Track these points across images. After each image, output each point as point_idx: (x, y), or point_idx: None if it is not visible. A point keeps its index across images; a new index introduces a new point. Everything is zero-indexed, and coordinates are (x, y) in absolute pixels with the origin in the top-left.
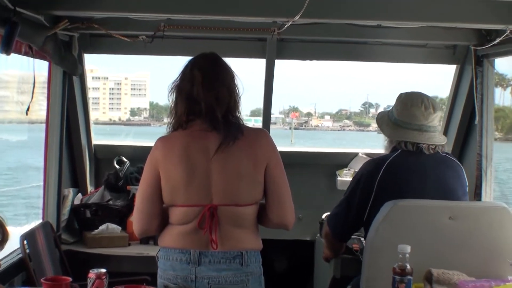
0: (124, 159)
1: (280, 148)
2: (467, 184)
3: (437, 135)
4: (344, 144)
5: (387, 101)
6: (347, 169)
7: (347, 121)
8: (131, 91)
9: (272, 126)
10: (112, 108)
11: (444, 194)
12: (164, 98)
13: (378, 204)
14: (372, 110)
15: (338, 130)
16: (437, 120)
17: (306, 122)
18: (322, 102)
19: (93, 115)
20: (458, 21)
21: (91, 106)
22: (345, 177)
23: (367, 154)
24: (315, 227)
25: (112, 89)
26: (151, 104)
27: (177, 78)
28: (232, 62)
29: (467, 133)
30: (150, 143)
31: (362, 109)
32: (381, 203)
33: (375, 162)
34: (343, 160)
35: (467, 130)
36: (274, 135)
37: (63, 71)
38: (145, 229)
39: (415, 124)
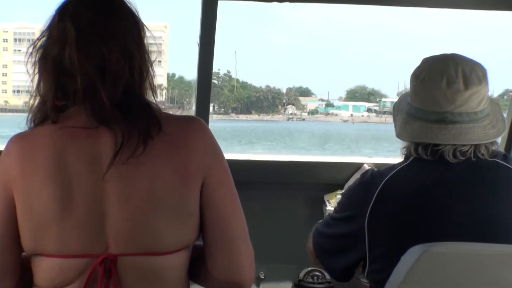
0: None
1: (226, 154)
2: None
3: (477, 127)
4: None
5: None
6: (342, 191)
7: None
8: None
9: (389, 119)
10: None
11: (488, 234)
12: (193, 68)
13: (380, 253)
14: None
15: None
16: (475, 100)
17: None
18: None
19: None
20: None
21: None
22: None
23: (378, 166)
24: None
25: None
26: (170, 78)
27: (40, 35)
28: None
29: None
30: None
31: None
32: (383, 251)
33: (366, 181)
34: (336, 175)
35: None
36: (388, 137)
37: None
38: None
39: (433, 112)
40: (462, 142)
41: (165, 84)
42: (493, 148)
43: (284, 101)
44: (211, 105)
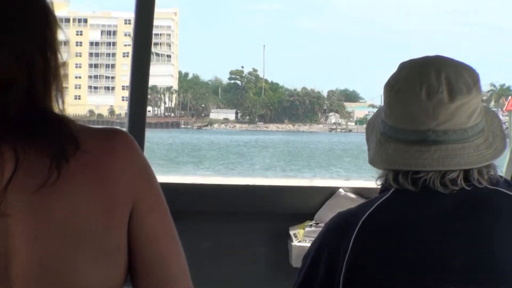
0: None
1: (161, 176)
2: None
3: (467, 147)
4: None
5: None
6: (312, 223)
7: None
8: None
9: None
10: (96, 89)
11: (490, 279)
12: (213, 66)
13: None
14: None
15: None
16: (464, 114)
17: None
18: None
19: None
20: None
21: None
22: (308, 240)
23: (357, 192)
24: None
25: (96, 44)
26: (182, 78)
27: None
28: None
29: None
30: None
31: None
32: None
33: (341, 222)
34: (305, 203)
35: None
36: None
37: None
38: None
39: (411, 131)
40: (448, 168)
41: (175, 86)
42: (491, 173)
43: (325, 107)
44: (233, 111)
